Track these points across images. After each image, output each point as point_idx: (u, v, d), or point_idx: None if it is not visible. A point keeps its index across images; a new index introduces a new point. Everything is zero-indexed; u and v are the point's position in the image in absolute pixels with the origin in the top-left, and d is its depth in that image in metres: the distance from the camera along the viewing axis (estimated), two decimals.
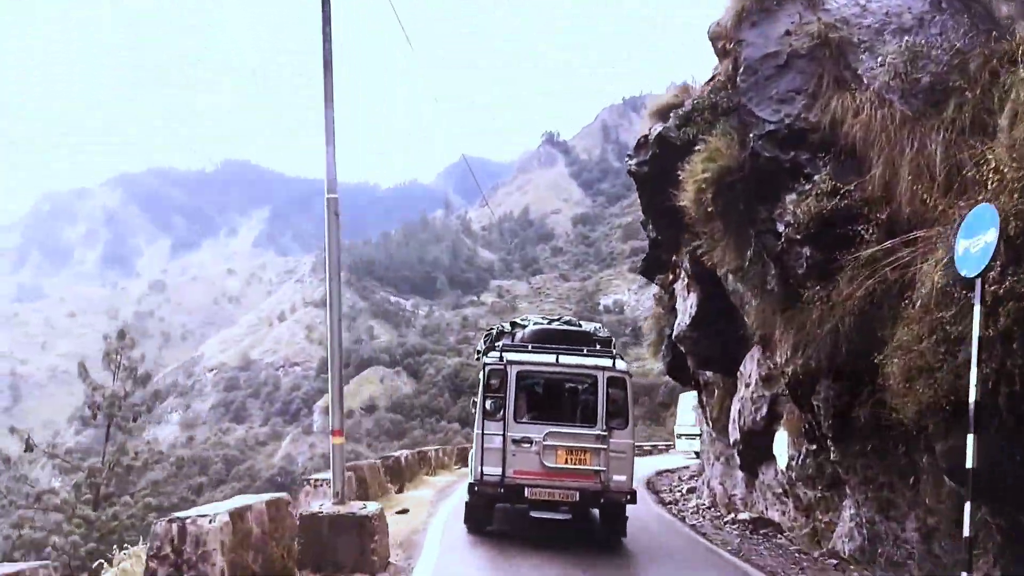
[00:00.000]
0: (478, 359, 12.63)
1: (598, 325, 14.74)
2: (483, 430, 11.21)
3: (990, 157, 7.22)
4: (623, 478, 11.13)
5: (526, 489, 10.91)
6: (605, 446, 11.04)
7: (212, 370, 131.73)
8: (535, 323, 14.01)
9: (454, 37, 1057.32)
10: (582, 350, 11.89)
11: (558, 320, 14.93)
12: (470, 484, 11.47)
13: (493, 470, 11.07)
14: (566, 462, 11.05)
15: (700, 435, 24.40)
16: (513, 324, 14.07)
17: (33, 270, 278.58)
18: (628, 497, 11.11)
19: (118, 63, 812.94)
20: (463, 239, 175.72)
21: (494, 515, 12.01)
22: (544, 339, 12.53)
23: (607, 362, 11.44)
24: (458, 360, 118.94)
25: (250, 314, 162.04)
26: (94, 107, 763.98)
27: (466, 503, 11.84)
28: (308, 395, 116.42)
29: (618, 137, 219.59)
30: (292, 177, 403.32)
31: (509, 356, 11.54)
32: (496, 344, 12.70)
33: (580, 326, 13.99)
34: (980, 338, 6.52)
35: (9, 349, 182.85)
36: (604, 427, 11.08)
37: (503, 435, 11.10)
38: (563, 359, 11.53)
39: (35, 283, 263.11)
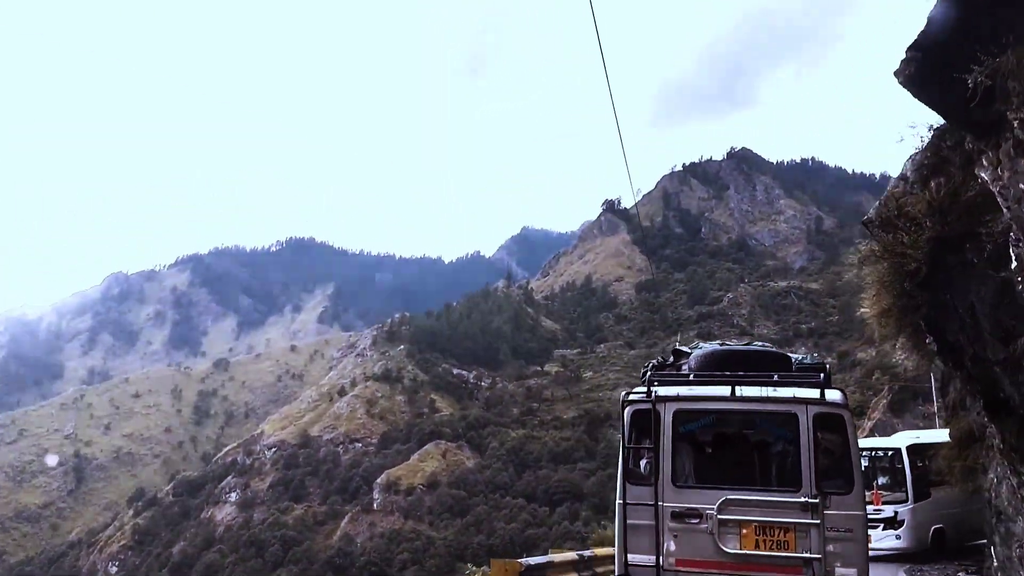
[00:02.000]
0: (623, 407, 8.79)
1: (814, 355, 10.74)
2: (626, 499, 8.10)
3: None
4: (852, 572, 7.41)
5: None
6: (818, 520, 7.48)
7: (272, 448, 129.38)
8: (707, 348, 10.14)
9: (504, 104, 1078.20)
10: (771, 376, 8.31)
11: (746, 344, 10.96)
12: None
13: (644, 558, 7.88)
14: (757, 547, 7.61)
15: None
16: (677, 353, 10.17)
17: (103, 352, 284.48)
18: None
19: (177, 144, 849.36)
20: (525, 309, 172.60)
21: None
22: (715, 366, 8.82)
23: (812, 393, 7.93)
24: (523, 432, 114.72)
25: (311, 389, 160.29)
26: (162, 187, 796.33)
27: None
28: (368, 472, 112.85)
29: (679, 204, 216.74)
30: (355, 253, 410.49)
31: (662, 391, 8.30)
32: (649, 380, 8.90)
33: (769, 349, 10.10)
34: None
35: (74, 431, 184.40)
36: (814, 491, 7.58)
37: (656, 506, 7.92)
38: (743, 391, 8.13)
39: (104, 366, 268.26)
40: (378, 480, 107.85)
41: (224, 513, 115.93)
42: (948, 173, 7.06)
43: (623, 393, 8.76)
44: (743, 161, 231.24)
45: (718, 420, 8.50)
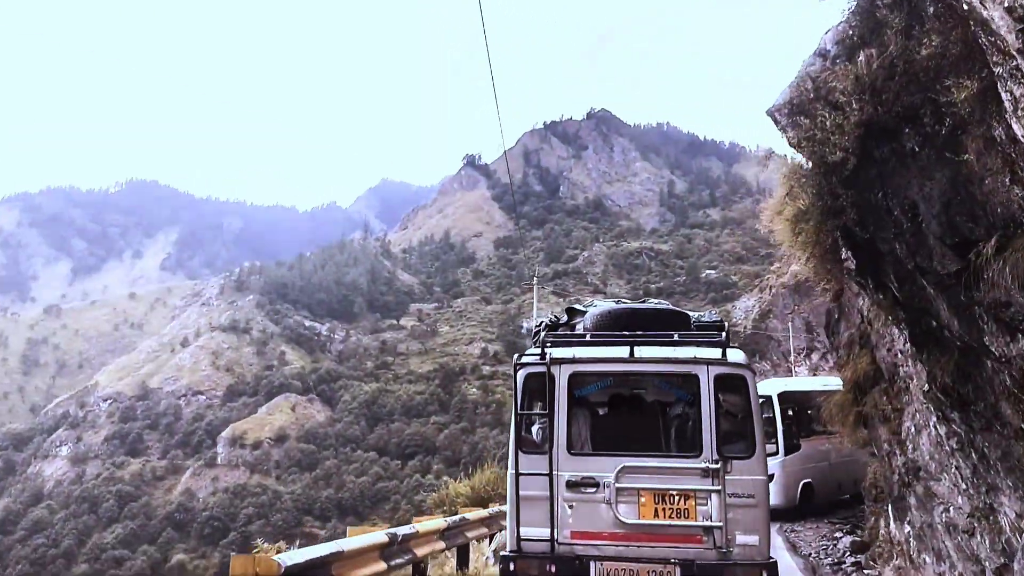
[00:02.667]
0: (515, 370, 7.99)
1: (712, 312, 9.85)
2: (518, 469, 7.45)
3: None
4: (753, 539, 7.04)
5: (593, 564, 7.20)
6: (719, 487, 7.07)
7: (107, 400, 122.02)
8: (603, 307, 9.24)
9: (364, 57, 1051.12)
10: (671, 336, 7.73)
11: (641, 303, 10.16)
12: (502, 557, 7.60)
13: (536, 532, 7.29)
14: (656, 515, 7.18)
15: None
16: (571, 311, 9.36)
17: None
18: (765, 573, 7.05)
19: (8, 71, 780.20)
20: (382, 262, 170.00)
21: None
22: (612, 326, 8.18)
23: (714, 352, 7.47)
24: (376, 386, 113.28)
25: (151, 340, 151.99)
26: None
27: None
28: (212, 426, 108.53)
29: (539, 161, 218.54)
30: (202, 198, 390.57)
31: (556, 352, 7.61)
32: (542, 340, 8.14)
33: (667, 307, 9.40)
34: None
35: None
36: (715, 456, 7.16)
37: (550, 476, 7.32)
38: (641, 351, 7.55)
39: None
40: (223, 434, 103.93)
41: (54, 468, 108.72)
42: (882, 41, 5.91)
43: (515, 356, 8.07)
44: (602, 122, 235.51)
45: (617, 383, 8.04)
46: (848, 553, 12.87)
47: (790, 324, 59.68)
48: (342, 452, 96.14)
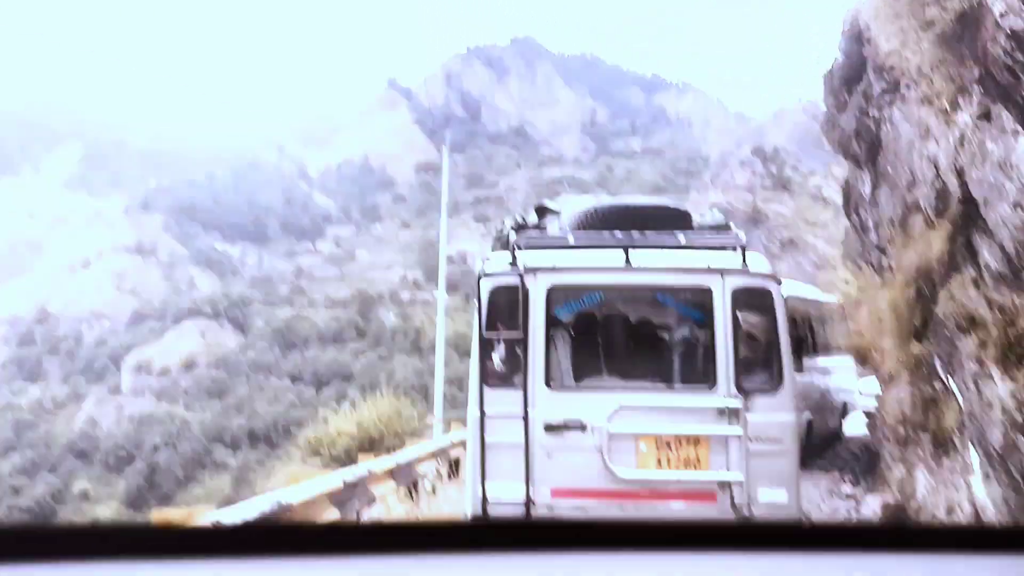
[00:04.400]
0: (479, 280, 6.51)
1: (714, 212, 7.70)
2: (482, 408, 6.04)
3: None
4: (782, 495, 5.67)
5: None
6: (739, 432, 5.68)
7: (2, 323, 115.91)
8: (584, 204, 7.48)
9: None
10: (675, 236, 6.20)
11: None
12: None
13: (508, 489, 5.85)
14: (659, 466, 5.74)
15: None
16: (541, 211, 7.62)
17: None
18: None
19: None
20: (298, 183, 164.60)
21: None
22: (600, 227, 6.58)
23: (732, 259, 5.94)
24: (291, 312, 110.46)
25: (49, 260, 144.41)
26: None
27: None
28: (116, 351, 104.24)
29: (461, 85, 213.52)
30: (108, 112, 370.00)
31: (531, 259, 6.16)
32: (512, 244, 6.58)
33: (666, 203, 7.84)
34: None
35: None
36: (734, 390, 5.74)
37: (525, 417, 5.88)
38: (639, 258, 6.04)
39: None
40: (127, 360, 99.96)
41: None
42: None
43: (481, 263, 6.66)
44: (526, 49, 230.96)
45: (607, 298, 6.70)
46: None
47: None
48: (254, 379, 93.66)
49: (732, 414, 5.84)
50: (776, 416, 5.98)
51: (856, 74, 8.49)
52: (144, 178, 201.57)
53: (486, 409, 6.11)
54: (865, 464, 13.66)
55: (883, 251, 8.74)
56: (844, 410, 16.89)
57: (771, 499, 5.77)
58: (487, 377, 6.24)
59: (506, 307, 6.26)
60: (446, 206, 44.98)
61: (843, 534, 1.29)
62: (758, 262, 6.31)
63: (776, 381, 6.04)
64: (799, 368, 12.11)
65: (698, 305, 6.27)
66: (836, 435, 15.79)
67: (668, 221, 6.78)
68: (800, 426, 11.76)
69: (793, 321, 12.17)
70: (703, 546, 1.00)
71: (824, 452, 14.71)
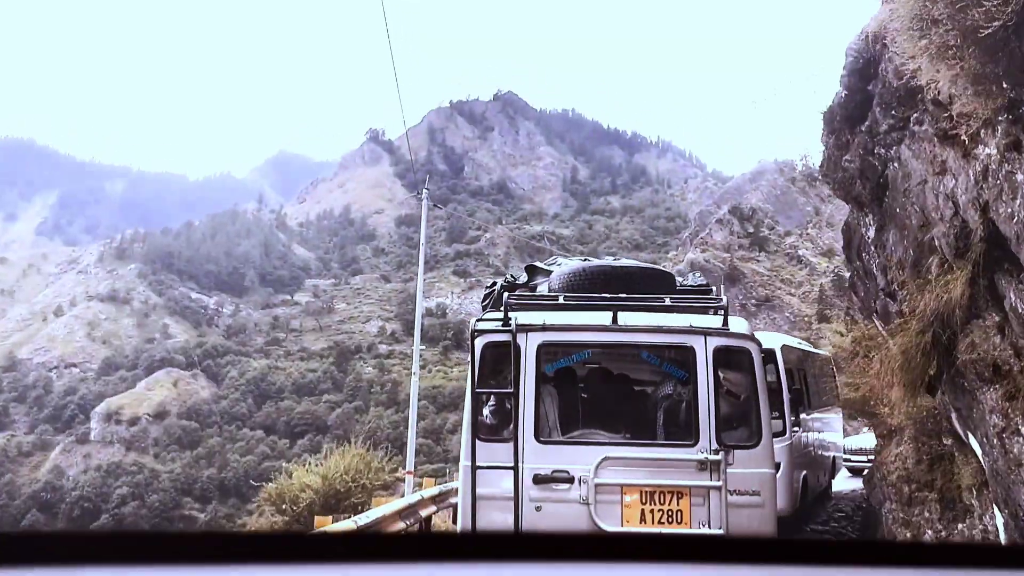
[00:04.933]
0: (473, 337, 6.59)
1: (697, 275, 8.55)
2: (474, 460, 6.12)
3: None
4: None
5: None
6: (720, 483, 5.86)
7: None
8: (572, 265, 7.72)
9: (264, 23, 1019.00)
10: (662, 300, 6.59)
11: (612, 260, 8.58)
12: None
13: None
14: (644, 519, 5.90)
15: None
16: (531, 269, 8.02)
17: None
18: None
19: None
20: (277, 234, 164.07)
21: None
22: (586, 287, 6.93)
23: (713, 321, 6.33)
24: (266, 363, 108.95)
25: (22, 307, 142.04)
26: None
27: None
28: (85, 400, 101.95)
29: (444, 140, 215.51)
30: (85, 162, 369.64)
31: (523, 318, 6.36)
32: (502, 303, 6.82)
33: (651, 266, 8.08)
34: None
35: None
36: (716, 444, 5.98)
37: (516, 468, 6.06)
38: (626, 318, 6.34)
39: None
40: (96, 409, 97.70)
41: None
42: None
43: (473, 320, 6.74)
44: (508, 104, 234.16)
45: (595, 356, 6.91)
46: None
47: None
48: (227, 430, 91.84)
49: (713, 467, 6.01)
50: (755, 469, 6.17)
51: (860, 112, 8.29)
52: (120, 226, 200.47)
53: (476, 461, 6.14)
54: (862, 526, 13.10)
55: (891, 296, 8.40)
56: (833, 467, 16.35)
57: None
58: (479, 430, 6.34)
59: (498, 363, 6.45)
60: (423, 256, 44.78)
61: (826, 548, 1.33)
62: (738, 324, 6.51)
63: (755, 436, 6.25)
64: (796, 423, 11.92)
65: (681, 363, 6.48)
66: (826, 493, 15.25)
67: (653, 283, 7.11)
68: (796, 483, 11.47)
69: (790, 374, 12.05)
70: (684, 559, 1.05)
71: (817, 512, 13.99)
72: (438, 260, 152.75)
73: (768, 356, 10.71)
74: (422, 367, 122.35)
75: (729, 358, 6.34)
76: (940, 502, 8.40)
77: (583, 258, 8.97)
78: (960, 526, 7.83)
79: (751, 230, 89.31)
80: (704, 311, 6.52)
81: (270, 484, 16.35)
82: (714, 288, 7.57)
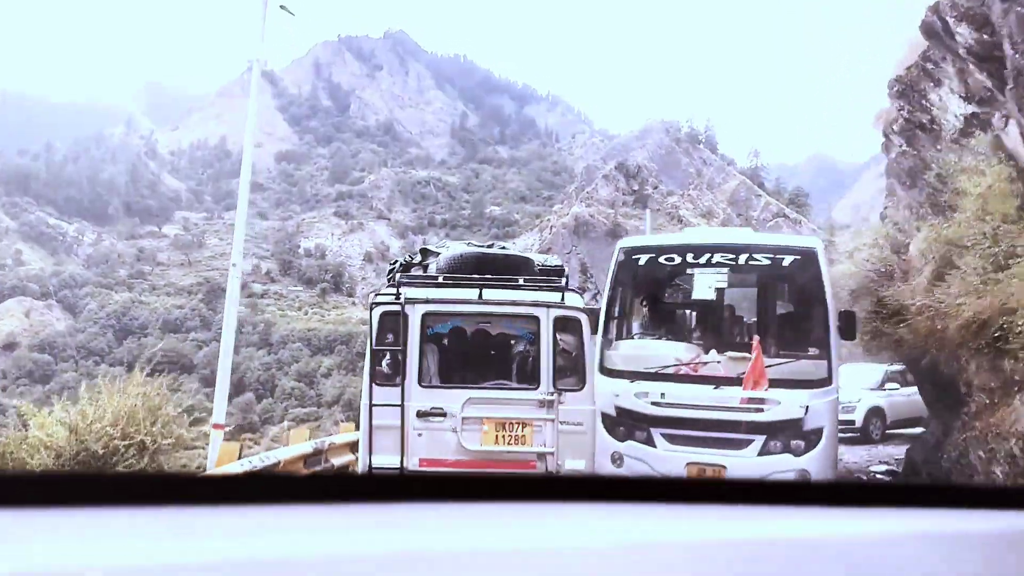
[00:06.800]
0: (371, 308, 8.61)
1: (554, 257, 10.47)
2: (371, 400, 8.09)
3: None
4: (581, 463, 8.14)
5: None
6: (553, 416, 8.03)
7: None
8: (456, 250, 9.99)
9: None
10: (517, 281, 8.63)
11: (489, 246, 10.56)
12: None
13: (387, 459, 7.95)
14: (497, 441, 8.05)
15: None
16: (424, 252, 10.07)
17: None
18: None
19: None
20: (146, 162, 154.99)
21: None
22: (462, 268, 9.06)
23: (553, 296, 8.42)
24: (129, 296, 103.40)
25: None
26: None
27: None
28: None
29: (331, 76, 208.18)
30: None
31: (410, 292, 8.40)
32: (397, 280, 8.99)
33: (513, 252, 10.33)
34: None
35: None
36: (552, 388, 8.09)
37: (402, 406, 8.02)
38: (488, 294, 8.42)
39: None
40: None
41: None
42: None
43: (371, 294, 8.89)
44: (399, 44, 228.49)
45: (465, 323, 8.93)
46: None
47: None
48: (83, 365, 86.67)
49: (549, 405, 8.01)
50: (580, 406, 8.13)
51: None
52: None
53: (373, 401, 8.03)
54: None
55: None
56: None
57: (574, 466, 7.94)
58: (376, 378, 8.21)
59: (392, 326, 8.28)
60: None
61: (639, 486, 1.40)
62: (573, 299, 8.48)
63: (581, 383, 8.22)
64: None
65: (529, 327, 8.52)
66: None
67: (514, 266, 9.13)
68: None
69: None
70: (526, 498, 1.18)
71: None
72: (319, 200, 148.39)
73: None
74: (298, 308, 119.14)
75: (564, 324, 8.30)
76: None
77: (467, 243, 10.80)
78: None
79: (636, 188, 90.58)
80: (550, 289, 8.45)
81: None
82: (565, 267, 9.86)
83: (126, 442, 9.51)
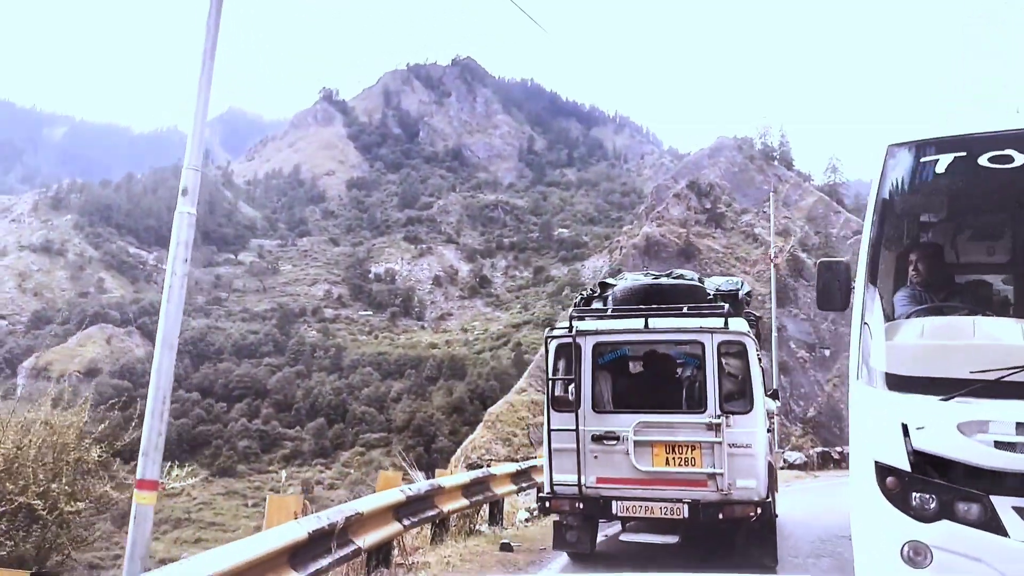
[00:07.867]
0: (547, 342, 9.21)
1: (733, 279, 10.92)
2: (551, 425, 8.76)
3: None
4: (751, 483, 8.01)
5: (614, 503, 8.48)
6: (721, 439, 8.06)
7: None
8: (627, 282, 10.50)
9: None
10: (681, 308, 8.71)
11: (666, 276, 10.80)
12: (540, 497, 9.30)
13: (567, 478, 8.56)
14: (667, 463, 8.31)
15: None
16: (603, 285, 10.66)
17: None
18: (755, 511, 7.98)
19: None
20: (223, 191, 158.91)
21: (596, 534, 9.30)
22: (633, 299, 9.52)
23: (716, 322, 8.37)
24: (205, 323, 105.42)
25: None
26: None
27: (554, 521, 9.27)
28: (14, 354, 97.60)
29: (400, 103, 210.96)
30: (23, 108, 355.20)
31: (581, 325, 8.87)
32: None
33: (693, 280, 10.32)
34: None
35: None
36: (718, 412, 8.15)
37: (577, 431, 8.49)
38: (654, 322, 8.59)
39: None
40: (24, 363, 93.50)
41: None
42: None
43: (547, 329, 9.49)
44: (467, 70, 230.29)
45: (633, 351, 9.44)
46: None
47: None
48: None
49: (716, 428, 8.19)
50: (747, 429, 8.21)
51: None
52: (58, 177, 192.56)
53: (553, 426, 8.70)
54: None
55: None
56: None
57: (745, 485, 7.99)
58: (554, 404, 8.84)
59: (566, 357, 8.85)
60: None
61: None
62: (737, 323, 8.47)
63: (748, 405, 8.29)
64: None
65: (695, 353, 8.80)
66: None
67: (683, 293, 9.42)
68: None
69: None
70: None
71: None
72: (389, 225, 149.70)
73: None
74: (368, 332, 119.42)
75: (729, 348, 8.39)
76: None
77: (645, 272, 11.33)
78: None
79: (708, 206, 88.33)
80: (713, 315, 8.54)
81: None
82: (743, 284, 10.43)
83: (15, 485, 6.14)
